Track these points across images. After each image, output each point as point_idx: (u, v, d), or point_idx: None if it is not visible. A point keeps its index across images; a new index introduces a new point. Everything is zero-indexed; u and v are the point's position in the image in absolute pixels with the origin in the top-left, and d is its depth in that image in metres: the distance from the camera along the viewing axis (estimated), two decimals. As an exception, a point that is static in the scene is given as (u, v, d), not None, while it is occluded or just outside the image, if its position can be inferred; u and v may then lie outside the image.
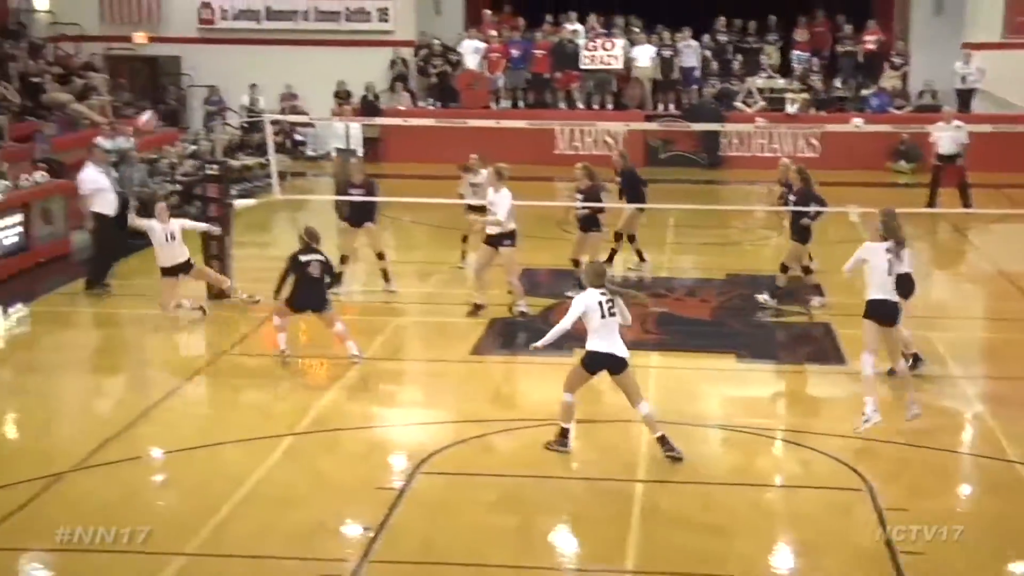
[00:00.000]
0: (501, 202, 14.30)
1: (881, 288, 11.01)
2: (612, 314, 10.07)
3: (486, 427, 10.88)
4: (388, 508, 9.21)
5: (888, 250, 11.04)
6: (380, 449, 10.78)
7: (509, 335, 14.04)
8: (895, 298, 11.07)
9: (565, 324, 10.19)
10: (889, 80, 27.63)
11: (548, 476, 10.03)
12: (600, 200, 15.51)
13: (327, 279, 12.95)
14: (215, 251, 15.37)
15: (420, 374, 12.86)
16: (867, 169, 25.32)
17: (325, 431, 10.94)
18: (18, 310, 15.63)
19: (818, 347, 13.68)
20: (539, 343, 10.40)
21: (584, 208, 15.33)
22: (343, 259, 15.76)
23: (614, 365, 10.11)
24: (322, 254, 12.87)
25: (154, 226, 14.48)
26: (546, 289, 15.87)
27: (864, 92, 27.72)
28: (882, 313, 11.01)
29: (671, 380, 12.64)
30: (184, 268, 14.57)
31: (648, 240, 17.31)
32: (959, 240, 19.80)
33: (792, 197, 15.01)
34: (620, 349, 10.11)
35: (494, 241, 14.44)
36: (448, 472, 10.06)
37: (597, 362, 10.17)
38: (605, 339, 10.07)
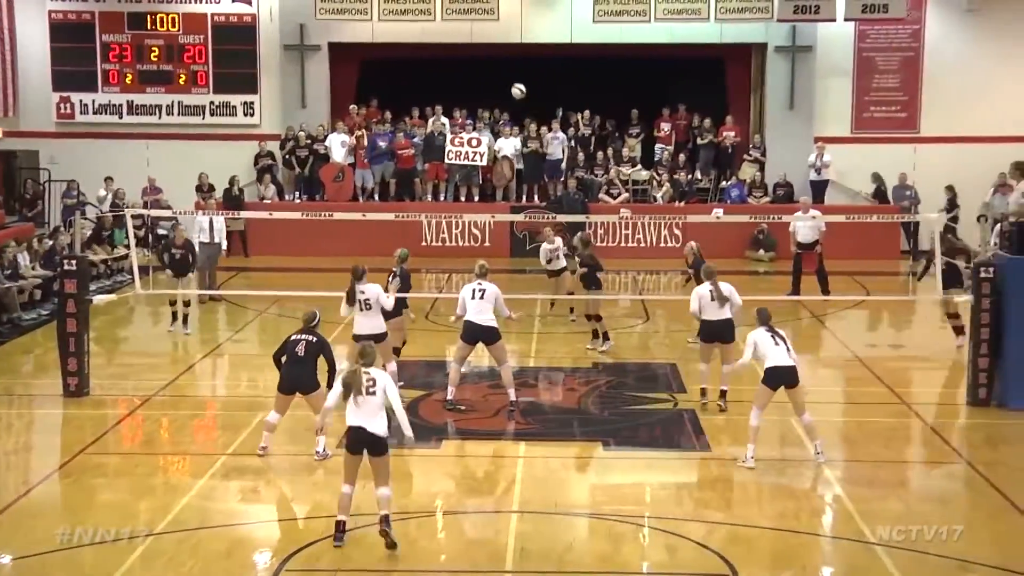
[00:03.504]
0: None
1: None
2: (372, 392, 10.21)
3: (353, 521, 10.69)
4: (251, 608, 9.00)
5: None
6: (242, 547, 10.53)
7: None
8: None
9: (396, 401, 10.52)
10: (747, 172, 28.47)
11: (415, 570, 9.93)
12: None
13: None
14: (72, 347, 14.97)
15: (285, 469, 12.63)
16: (727, 257, 25.91)
17: (186, 530, 10.67)
18: None
19: (683, 433, 13.83)
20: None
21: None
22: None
23: (373, 444, 10.19)
24: (315, 335, 12.73)
25: None
26: (420, 380, 15.88)
27: (723, 184, 28.51)
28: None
29: (538, 469, 12.66)
30: None
31: (513, 329, 17.37)
32: (816, 326, 20.31)
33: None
34: (375, 427, 10.19)
35: None
36: (313, 569, 9.90)
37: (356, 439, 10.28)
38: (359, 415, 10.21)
